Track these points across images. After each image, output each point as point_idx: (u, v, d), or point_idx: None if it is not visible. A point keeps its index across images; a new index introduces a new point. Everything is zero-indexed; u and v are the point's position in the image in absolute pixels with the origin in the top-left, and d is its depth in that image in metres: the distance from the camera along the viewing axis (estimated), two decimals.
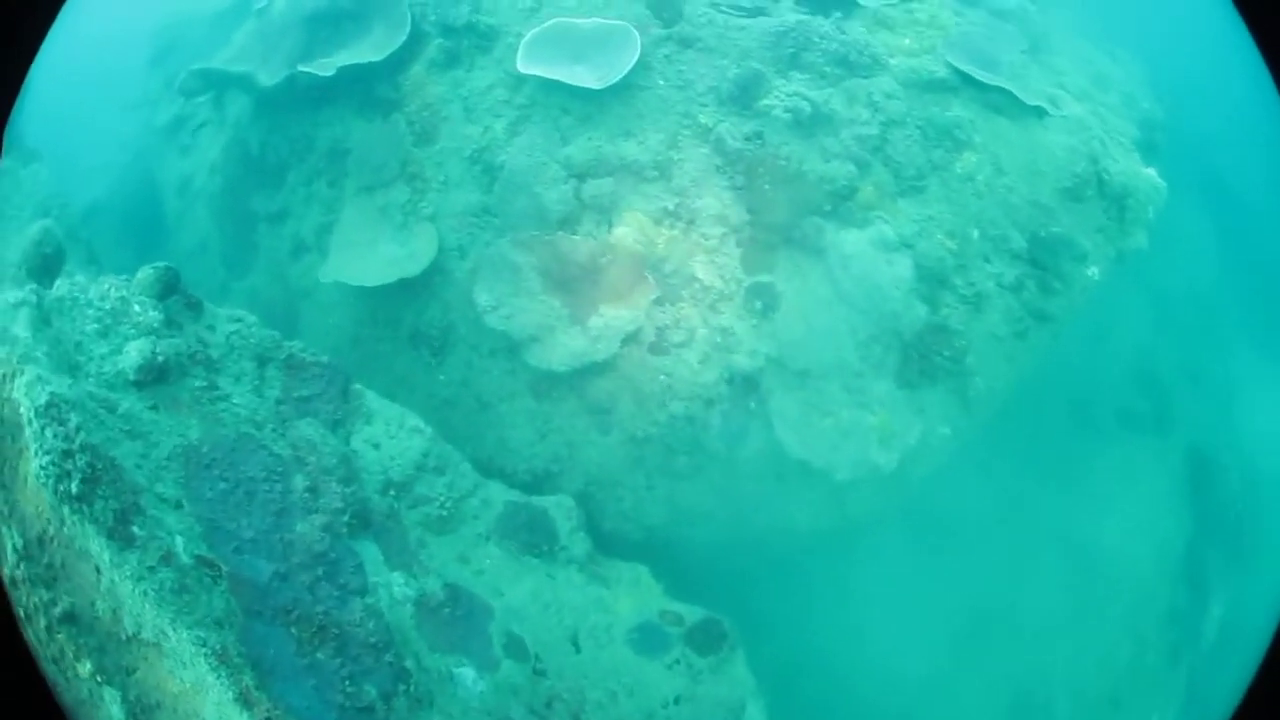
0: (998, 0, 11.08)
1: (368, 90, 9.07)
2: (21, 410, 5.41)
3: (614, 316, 8.00)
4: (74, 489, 5.28)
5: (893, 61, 8.87)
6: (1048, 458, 11.05)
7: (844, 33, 8.70)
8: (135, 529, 5.46)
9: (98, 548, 5.30)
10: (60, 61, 12.06)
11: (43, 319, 6.29)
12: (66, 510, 5.29)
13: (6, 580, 5.50)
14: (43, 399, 5.40)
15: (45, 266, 7.75)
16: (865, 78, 8.63)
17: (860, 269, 8.32)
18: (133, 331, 6.81)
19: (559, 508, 8.01)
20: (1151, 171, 9.65)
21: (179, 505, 6.00)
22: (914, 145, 8.66)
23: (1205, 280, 13.75)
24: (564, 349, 8.05)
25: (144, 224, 11.08)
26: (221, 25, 11.08)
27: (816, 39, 8.55)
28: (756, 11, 8.77)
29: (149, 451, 6.10)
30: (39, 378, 5.49)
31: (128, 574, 5.29)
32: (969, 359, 8.67)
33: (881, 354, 8.45)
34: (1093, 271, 9.22)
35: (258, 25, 10.19)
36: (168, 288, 7.19)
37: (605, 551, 8.08)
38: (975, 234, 8.74)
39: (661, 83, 8.38)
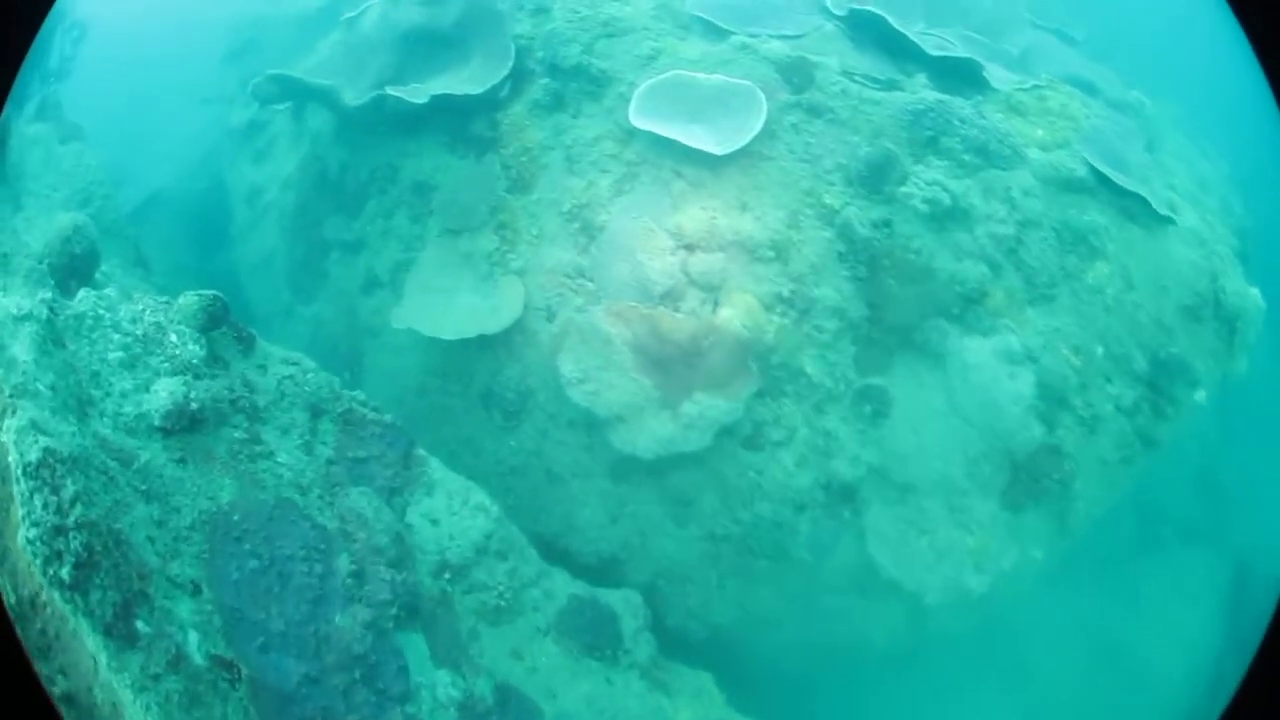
0: (1114, 90, 9.74)
1: (461, 125, 7.68)
2: (9, 460, 4.03)
3: (710, 405, 6.62)
4: (65, 575, 3.85)
5: (1030, 154, 7.49)
6: (1115, 576, 9.75)
7: (983, 117, 7.31)
8: (140, 624, 4.09)
9: (94, 644, 3.95)
10: (119, 35, 10.79)
11: (54, 339, 4.90)
12: (57, 594, 3.94)
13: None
14: (34, 454, 3.95)
15: (71, 269, 6.26)
16: (1004, 170, 7.24)
17: (980, 381, 6.96)
18: (165, 366, 5.40)
19: (626, 605, 6.66)
20: (1256, 291, 8.29)
21: (197, 590, 4.62)
22: (1049, 250, 7.28)
23: (1269, 387, 12.44)
24: (651, 434, 6.67)
25: (207, 228, 9.72)
26: (307, 30, 9.68)
27: (956, 122, 7.16)
28: (891, 85, 7.38)
29: (167, 518, 4.71)
30: (33, 424, 4.07)
31: (127, 682, 3.92)
32: (1076, 483, 7.34)
33: (990, 473, 7.08)
34: (1200, 396, 7.87)
35: (345, 37, 8.81)
36: (213, 319, 5.82)
37: (667, 648, 6.75)
38: (1100, 351, 7.37)
39: (787, 153, 7.01)
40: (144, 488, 4.54)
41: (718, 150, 6.81)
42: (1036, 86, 8.11)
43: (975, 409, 6.95)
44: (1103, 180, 7.63)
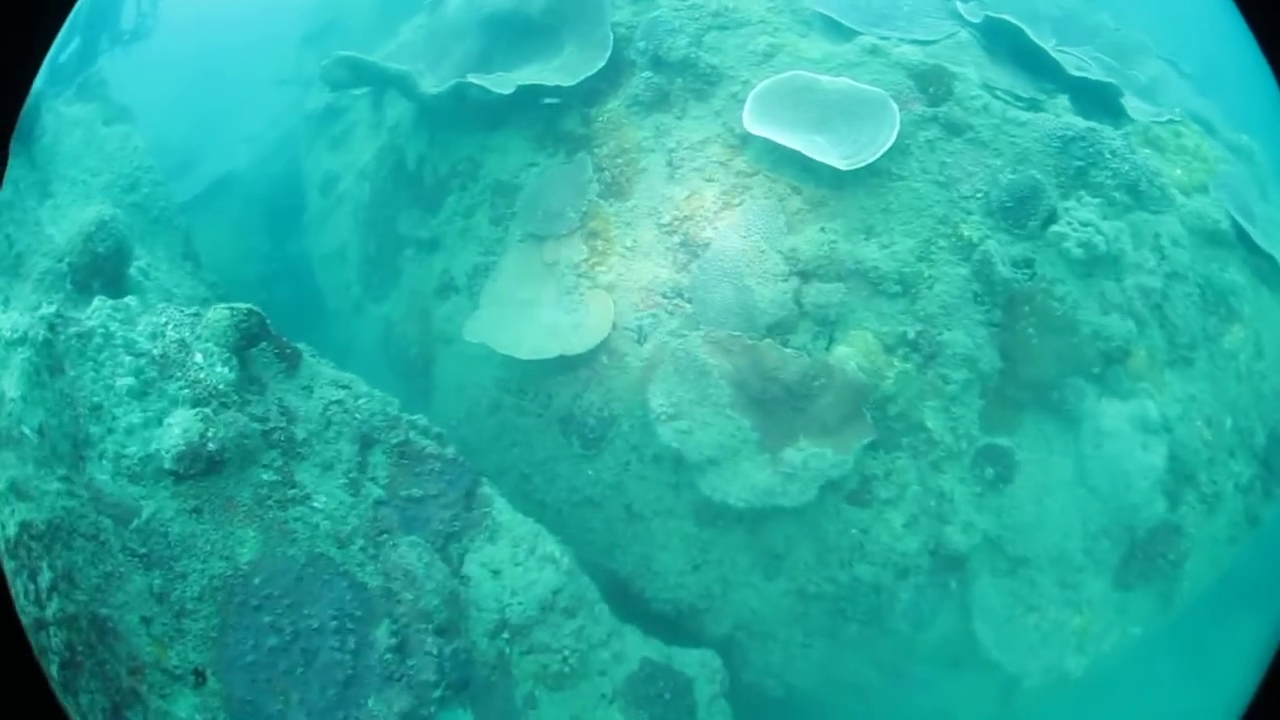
0: (1226, 131, 8.34)
1: (551, 120, 6.41)
2: None
3: (816, 454, 5.35)
4: (54, 673, 2.89)
5: (1175, 197, 6.16)
6: (1193, 649, 8.43)
7: (1134, 151, 5.99)
8: None
9: None
10: (191, 13, 9.70)
11: (51, 365, 3.74)
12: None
13: None
14: (11, 528, 2.90)
15: (95, 268, 5.02)
16: (1153, 213, 5.91)
17: (1113, 450, 5.64)
18: (185, 394, 4.23)
19: (703, 668, 5.45)
20: None
21: (200, 681, 3.48)
22: (1192, 308, 5.94)
23: None
24: (747, 481, 5.41)
25: (281, 214, 8.55)
26: (390, 12, 8.44)
27: (1108, 154, 5.77)
28: (1034, 105, 6.02)
29: (170, 589, 3.59)
30: (12, 486, 2.96)
31: None
32: (1187, 563, 6.05)
33: (1108, 549, 5.78)
34: None
35: (428, 21, 7.58)
36: (248, 337, 4.65)
37: (740, 705, 5.55)
38: (1229, 423, 6.06)
39: (920, 174, 5.71)
40: (143, 551, 3.41)
41: (843, 165, 5.48)
42: (1172, 121, 6.73)
43: (1104, 480, 5.64)
44: (1239, 234, 6.30)
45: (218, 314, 4.65)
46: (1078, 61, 6.45)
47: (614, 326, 5.82)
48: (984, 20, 6.36)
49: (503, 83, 6.22)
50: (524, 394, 6.14)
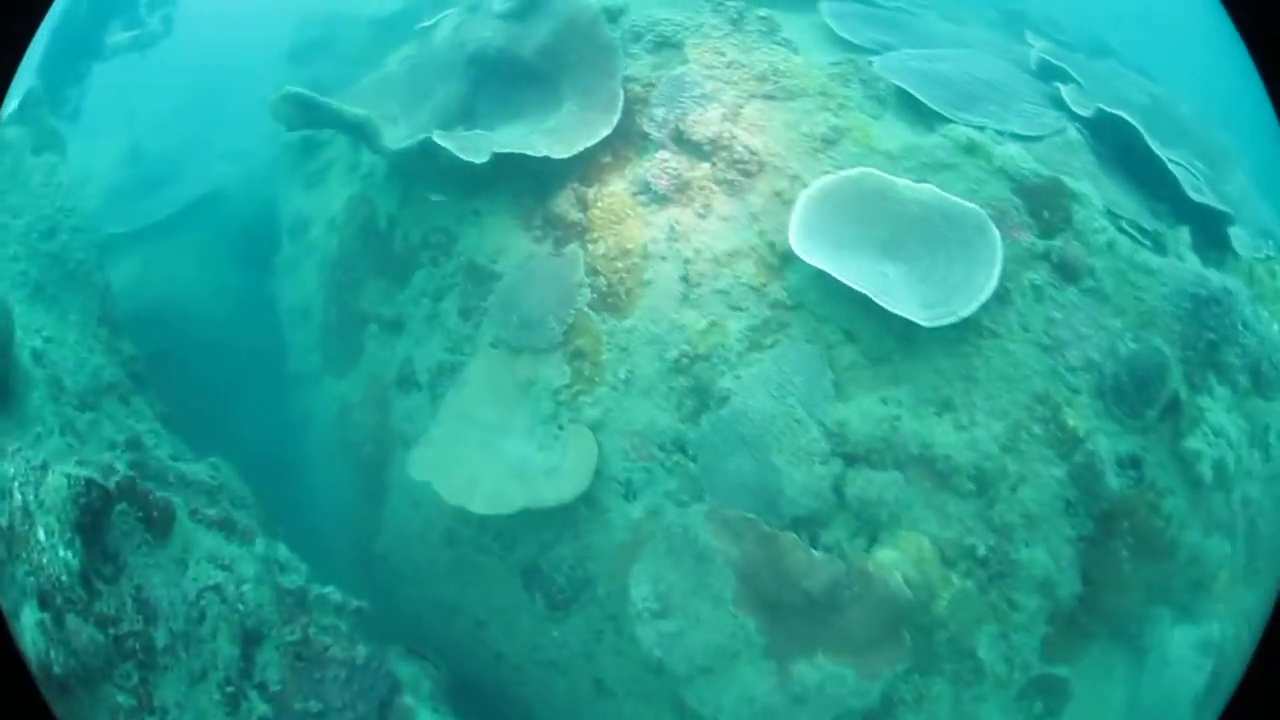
0: None
1: (540, 195, 4.43)
2: None
3: (834, 677, 3.47)
4: None
5: None
6: None
7: (1260, 320, 3.88)
8: None
9: None
10: (168, 21, 7.66)
11: None
12: None
13: None
14: None
15: None
16: (1267, 401, 3.84)
17: (1172, 677, 3.71)
18: (31, 581, 2.80)
19: None
20: None
21: None
22: (1274, 520, 3.97)
23: None
24: (745, 692, 3.56)
25: (255, 248, 6.61)
26: (382, 36, 6.38)
27: (1240, 326, 3.72)
28: (1158, 243, 3.93)
29: None
30: None
31: None
32: None
33: None
34: None
35: (415, 53, 5.51)
36: (92, 514, 2.93)
37: None
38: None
39: (1020, 332, 3.62)
40: None
41: (923, 319, 3.42)
42: (1270, 258, 4.62)
43: (1154, 708, 3.74)
44: None
45: (56, 482, 2.87)
46: (1191, 178, 4.33)
47: (597, 474, 3.92)
48: (1095, 114, 4.25)
49: (477, 146, 4.17)
50: (483, 530, 4.25)
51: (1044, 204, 3.76)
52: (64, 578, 2.86)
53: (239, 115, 6.60)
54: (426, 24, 5.63)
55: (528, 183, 4.40)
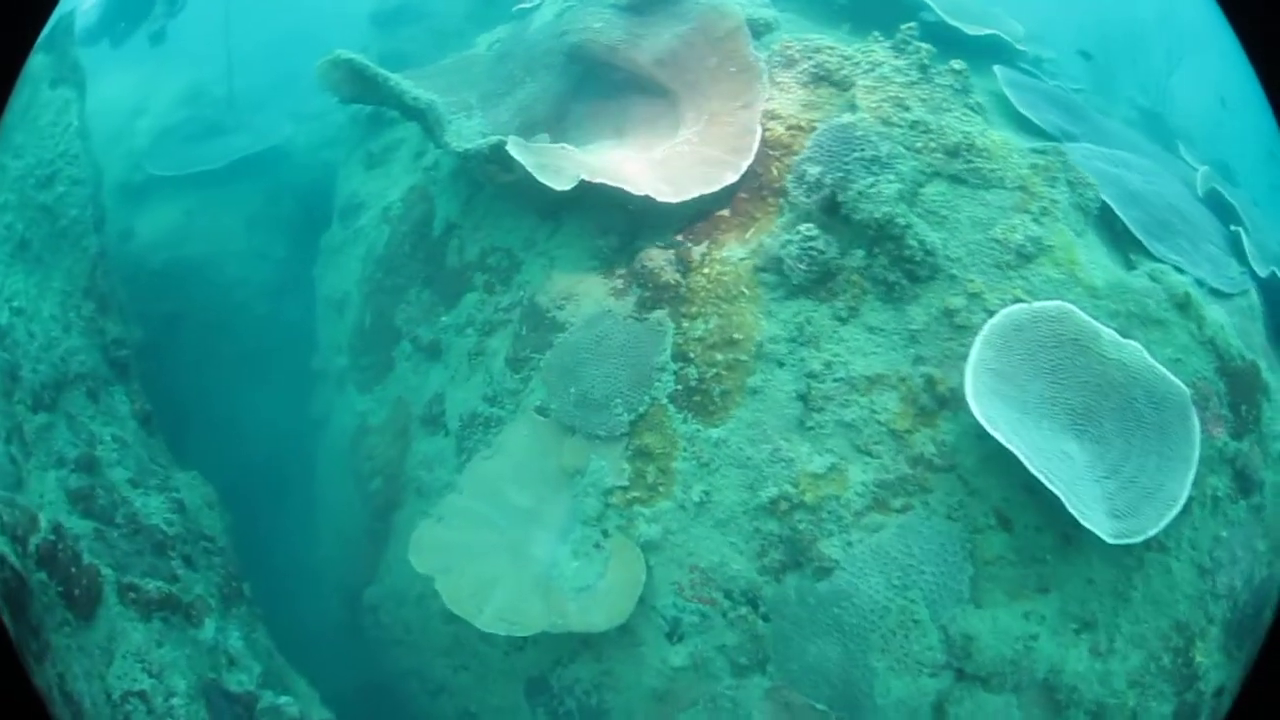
0: None
1: (629, 235, 3.14)
2: None
3: None
4: None
5: None
6: None
7: None
8: None
9: None
10: None
11: None
12: None
13: None
14: None
15: None
16: None
17: None
18: None
19: None
20: None
21: None
22: None
23: None
24: None
25: (306, 219, 5.47)
26: (482, 12, 5.04)
27: None
28: None
29: None
30: None
31: None
32: None
33: None
34: None
35: (506, 36, 4.27)
36: (10, 586, 1.77)
37: None
38: None
39: (1188, 550, 2.37)
40: None
41: (1110, 533, 2.16)
42: None
43: None
44: None
45: None
46: None
47: (640, 602, 2.75)
48: (1269, 278, 3.00)
49: (560, 167, 2.96)
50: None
51: (1242, 395, 2.54)
52: None
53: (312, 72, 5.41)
54: (526, 4, 4.39)
55: (617, 217, 3.17)
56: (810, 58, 3.03)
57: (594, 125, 3.33)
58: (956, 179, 2.79)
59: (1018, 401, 2.34)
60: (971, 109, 2.99)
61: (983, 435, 2.37)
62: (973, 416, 2.34)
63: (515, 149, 2.92)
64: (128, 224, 5.29)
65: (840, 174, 2.65)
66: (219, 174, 5.34)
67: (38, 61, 3.85)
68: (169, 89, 5.90)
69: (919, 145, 2.79)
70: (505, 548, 2.89)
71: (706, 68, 3.11)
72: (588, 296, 3.18)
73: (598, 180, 2.78)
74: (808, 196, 2.66)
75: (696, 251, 2.91)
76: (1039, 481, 2.25)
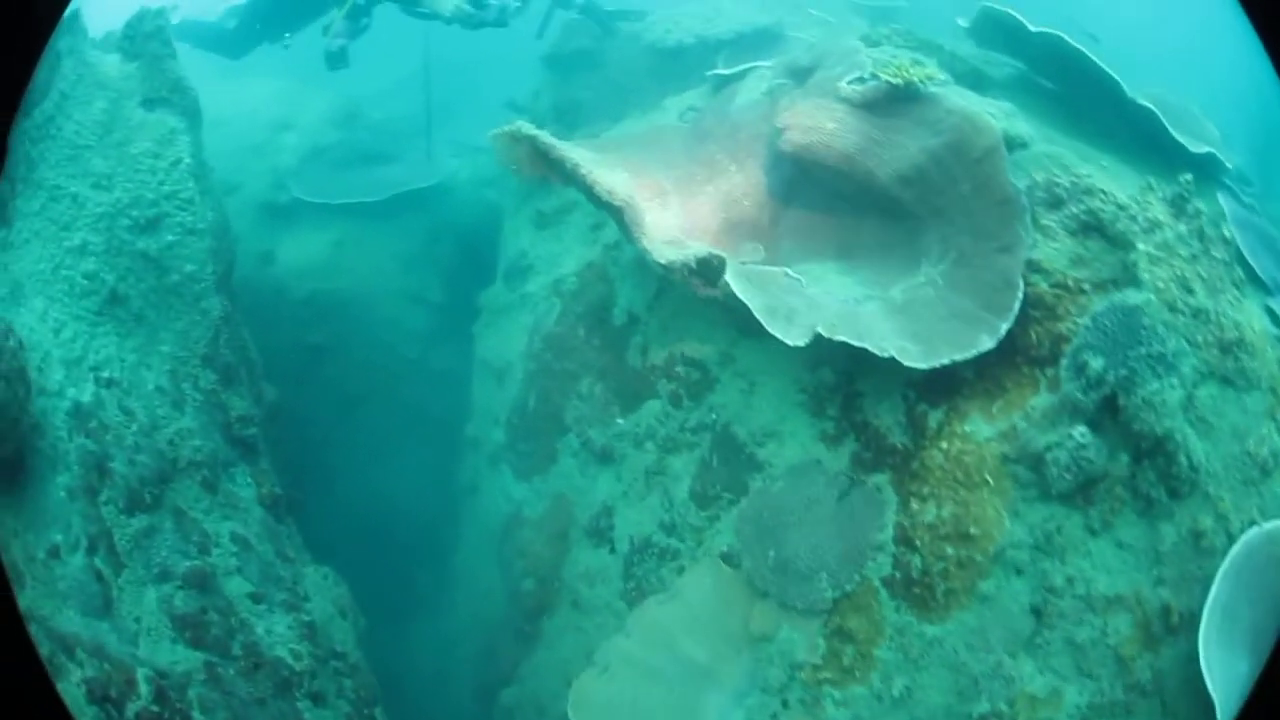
0: None
1: (850, 375, 2.77)
2: None
3: None
4: None
5: None
6: None
7: None
8: None
9: None
10: None
11: None
12: None
13: None
14: None
15: None
16: None
17: None
18: None
19: None
20: None
21: None
22: None
23: None
24: None
25: (465, 263, 5.35)
26: (664, 67, 4.59)
27: None
28: None
29: None
30: None
31: None
32: None
33: None
34: None
35: (700, 111, 3.95)
36: None
37: None
38: None
39: None
40: None
41: None
42: None
43: None
44: None
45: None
46: None
47: None
48: None
49: (792, 313, 2.58)
50: None
51: None
52: None
53: (481, 105, 5.24)
54: (723, 71, 4.09)
55: (838, 349, 2.87)
56: (1081, 201, 2.58)
57: (813, 240, 3.01)
58: (1226, 380, 2.39)
59: (1231, 636, 1.96)
60: (1236, 285, 2.54)
61: (1192, 660, 2.01)
62: (1189, 645, 1.98)
63: (738, 282, 2.65)
64: (268, 247, 5.20)
65: (1125, 372, 2.23)
66: (374, 206, 5.32)
67: (112, 66, 3.45)
68: (317, 105, 5.81)
69: (1200, 339, 2.37)
70: (674, 707, 2.67)
71: (958, 194, 2.73)
72: (793, 438, 2.89)
73: (837, 338, 2.49)
74: (1084, 393, 2.28)
75: (933, 417, 2.57)
76: None
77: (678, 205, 3.38)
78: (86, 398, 2.97)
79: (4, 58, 2.18)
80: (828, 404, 2.85)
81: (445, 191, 5.48)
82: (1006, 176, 2.67)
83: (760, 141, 3.41)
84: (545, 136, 3.13)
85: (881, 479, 2.63)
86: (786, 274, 2.78)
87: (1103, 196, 2.58)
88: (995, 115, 2.93)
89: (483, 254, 4.96)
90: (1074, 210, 2.60)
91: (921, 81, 2.93)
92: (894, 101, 2.97)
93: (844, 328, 2.49)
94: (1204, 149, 3.41)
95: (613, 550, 3.31)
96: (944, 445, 2.51)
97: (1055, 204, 2.63)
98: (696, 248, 2.86)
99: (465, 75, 5.42)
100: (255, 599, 3.04)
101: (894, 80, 2.93)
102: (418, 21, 5.02)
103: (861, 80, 3.11)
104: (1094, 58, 3.37)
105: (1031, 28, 3.51)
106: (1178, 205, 2.58)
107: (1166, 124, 3.37)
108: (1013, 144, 2.84)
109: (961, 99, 2.96)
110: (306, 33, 5.33)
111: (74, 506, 2.89)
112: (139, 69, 3.44)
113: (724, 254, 2.79)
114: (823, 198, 3.04)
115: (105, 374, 3.01)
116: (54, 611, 2.43)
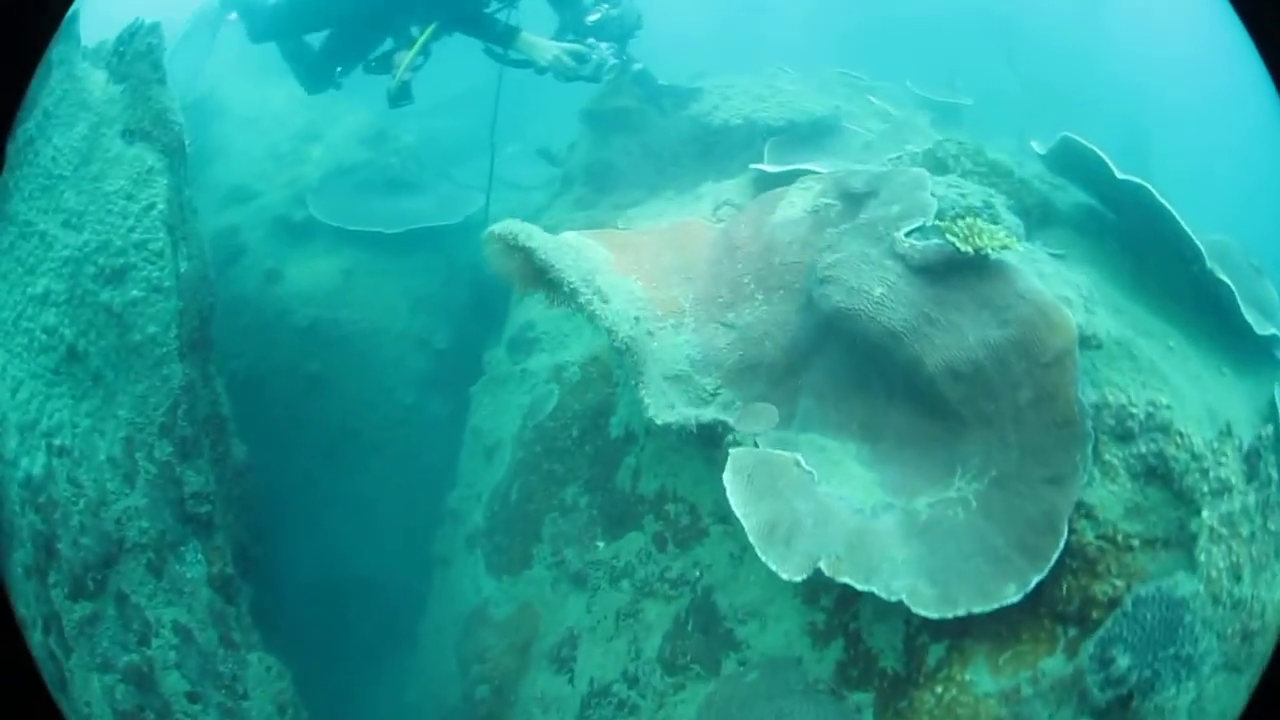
0: None
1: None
2: None
3: None
4: None
5: None
6: None
7: None
8: None
9: None
10: None
11: None
12: None
13: None
14: None
15: None
16: None
17: None
18: None
19: None
20: None
21: None
22: None
23: None
24: None
25: (466, 321, 5.11)
26: (703, 148, 4.48)
27: None
28: None
29: None
30: None
31: None
32: None
33: None
34: None
35: (734, 223, 3.53)
36: None
37: None
38: None
39: None
40: None
41: None
42: None
43: None
44: None
45: None
46: None
47: None
48: None
49: (792, 531, 2.32)
50: None
51: None
52: None
53: (521, 138, 4.91)
54: (767, 169, 3.80)
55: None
56: (1153, 439, 2.25)
57: (837, 409, 2.71)
58: (1235, 669, 2.05)
59: None
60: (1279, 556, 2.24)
61: None
62: None
63: (735, 480, 2.36)
64: (277, 264, 5.02)
65: (1148, 673, 1.93)
66: (393, 239, 5.11)
67: (97, 87, 3.14)
68: (349, 120, 5.61)
69: (1229, 631, 2.05)
70: None
71: (1014, 402, 2.38)
72: (778, 624, 2.64)
73: (840, 579, 2.18)
74: (1101, 690, 2.00)
75: (933, 653, 2.29)
76: None
77: (692, 329, 3.12)
78: (37, 469, 2.82)
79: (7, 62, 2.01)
80: (823, 593, 2.60)
81: (468, 230, 5.26)
82: (1075, 392, 2.32)
83: (795, 272, 3.12)
84: (544, 250, 2.86)
85: (864, 699, 2.37)
86: (798, 464, 2.51)
87: (1178, 440, 2.23)
88: (1072, 300, 2.57)
89: (497, 305, 4.74)
90: (1143, 450, 2.27)
91: (994, 250, 2.58)
92: (957, 271, 2.61)
93: (850, 562, 2.20)
94: (1270, 330, 3.17)
95: (572, 683, 3.10)
96: (939, 689, 2.24)
97: (1125, 437, 2.29)
98: (700, 413, 2.60)
99: (508, 119, 5.16)
100: (191, 698, 2.89)
101: (961, 246, 2.58)
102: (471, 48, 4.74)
103: (923, 232, 2.80)
104: (1179, 219, 3.07)
105: (1119, 174, 3.20)
106: (1252, 464, 2.26)
107: (1240, 302, 3.12)
108: (1087, 343, 2.52)
109: (1037, 279, 2.57)
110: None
111: (29, 585, 2.78)
112: (124, 93, 3.16)
113: (730, 422, 2.54)
114: (856, 366, 2.73)
115: (58, 441, 2.84)
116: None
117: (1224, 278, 3.09)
